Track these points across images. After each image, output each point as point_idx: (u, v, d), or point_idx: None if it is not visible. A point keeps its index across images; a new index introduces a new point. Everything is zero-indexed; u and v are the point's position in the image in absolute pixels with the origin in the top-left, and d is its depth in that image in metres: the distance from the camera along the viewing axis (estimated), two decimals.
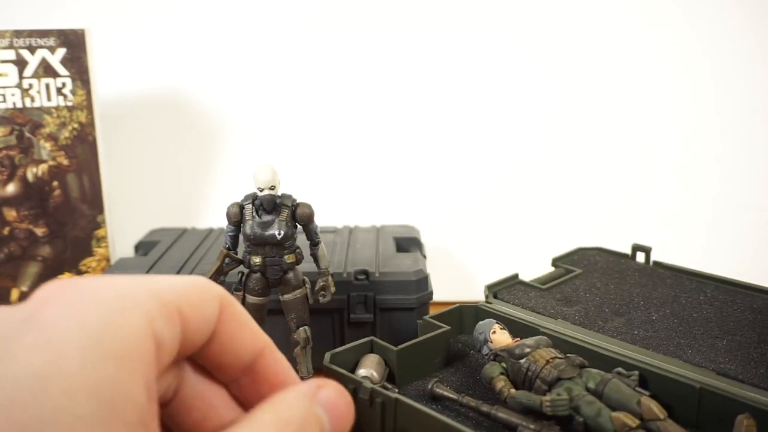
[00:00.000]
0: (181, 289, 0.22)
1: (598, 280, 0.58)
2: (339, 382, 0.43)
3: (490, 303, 0.54)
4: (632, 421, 0.36)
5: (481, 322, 0.49)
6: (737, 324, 0.49)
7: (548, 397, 0.39)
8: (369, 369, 0.46)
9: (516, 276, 0.57)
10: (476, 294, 0.57)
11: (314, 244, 0.53)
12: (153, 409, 0.20)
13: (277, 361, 0.25)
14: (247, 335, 0.25)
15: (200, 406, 0.25)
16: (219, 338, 0.24)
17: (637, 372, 0.43)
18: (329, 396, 0.23)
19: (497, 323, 0.48)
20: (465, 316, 0.54)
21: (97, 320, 0.19)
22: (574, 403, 0.39)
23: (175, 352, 0.22)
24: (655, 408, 0.37)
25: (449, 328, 0.50)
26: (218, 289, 0.24)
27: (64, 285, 0.20)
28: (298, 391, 0.23)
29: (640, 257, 0.61)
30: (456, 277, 0.80)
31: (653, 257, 0.61)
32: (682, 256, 0.60)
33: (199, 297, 0.23)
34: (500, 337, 0.47)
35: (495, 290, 0.55)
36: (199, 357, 0.25)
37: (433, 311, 0.60)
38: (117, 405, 0.18)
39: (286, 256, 0.52)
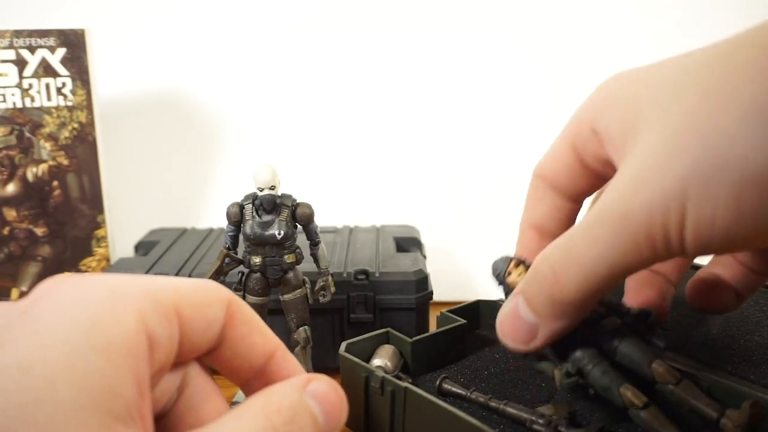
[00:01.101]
0: (182, 290, 0.22)
1: None
2: (353, 370, 0.44)
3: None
4: (639, 400, 0.35)
5: (496, 260, 0.43)
6: (758, 324, 0.49)
7: (558, 374, 0.38)
8: (383, 359, 0.47)
9: None
10: (476, 294, 0.57)
11: (314, 244, 0.53)
12: (144, 404, 0.20)
13: (288, 363, 0.25)
14: (258, 339, 0.25)
15: (206, 408, 0.25)
16: (229, 342, 0.24)
17: (653, 312, 0.39)
18: (319, 388, 0.23)
19: (513, 260, 0.42)
20: (483, 310, 0.55)
21: (86, 315, 0.19)
22: (586, 372, 0.37)
23: (173, 352, 0.22)
24: (666, 373, 0.36)
25: (465, 321, 0.51)
26: (226, 293, 0.24)
27: (61, 281, 0.20)
28: (289, 382, 0.23)
29: None
30: (456, 277, 0.80)
31: None
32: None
33: (201, 298, 0.23)
34: (516, 279, 0.41)
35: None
36: (210, 360, 0.25)
37: (432, 311, 0.60)
38: (100, 395, 0.18)
39: (286, 256, 0.52)
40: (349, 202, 0.81)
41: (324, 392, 0.23)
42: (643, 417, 0.35)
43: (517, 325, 0.34)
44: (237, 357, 0.24)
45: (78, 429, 0.17)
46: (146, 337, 0.20)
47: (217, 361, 0.24)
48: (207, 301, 0.23)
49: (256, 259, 0.52)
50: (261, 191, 0.51)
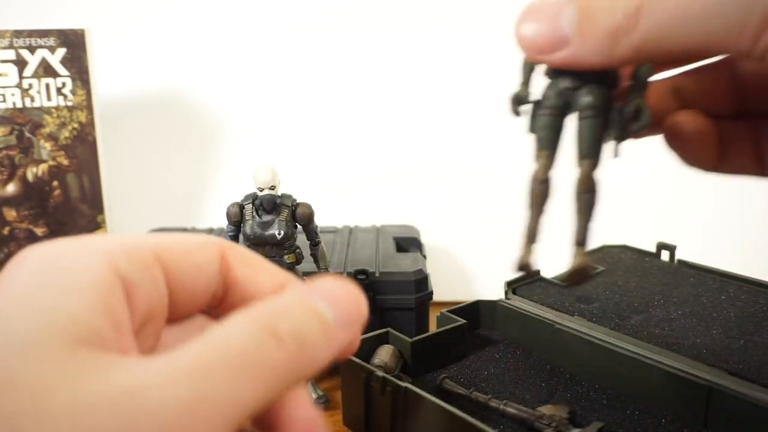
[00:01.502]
0: (163, 239, 0.22)
1: (620, 277, 0.58)
2: (353, 370, 0.44)
3: (509, 299, 0.55)
4: (537, 174, 0.31)
5: None
6: (757, 324, 0.49)
7: (517, 92, 0.33)
8: (383, 359, 0.47)
9: (537, 272, 0.57)
10: (476, 294, 0.57)
11: (314, 244, 0.54)
12: (124, 339, 0.19)
13: None
14: (264, 277, 0.24)
15: None
16: (234, 289, 0.23)
17: (649, 120, 0.32)
18: (325, 285, 0.21)
19: None
20: (483, 310, 0.55)
21: (47, 261, 0.19)
22: (537, 111, 0.33)
23: (162, 298, 0.22)
24: (581, 179, 0.31)
25: (465, 321, 0.51)
26: (215, 239, 0.23)
27: (32, 248, 0.20)
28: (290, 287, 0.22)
29: (665, 255, 0.61)
30: (456, 277, 0.80)
31: (679, 255, 0.60)
32: (708, 255, 0.59)
33: (185, 245, 0.22)
34: None
35: (514, 286, 0.56)
36: (221, 312, 0.24)
37: (432, 311, 0.60)
38: (58, 322, 0.18)
39: (286, 256, 0.52)
40: (349, 202, 0.81)
41: (331, 288, 0.21)
42: (531, 186, 0.32)
43: (548, 27, 0.28)
44: (246, 300, 0.23)
45: (36, 353, 0.17)
46: (118, 278, 0.20)
47: (227, 311, 0.23)
48: (192, 246, 0.22)
49: None
50: (261, 191, 0.51)
